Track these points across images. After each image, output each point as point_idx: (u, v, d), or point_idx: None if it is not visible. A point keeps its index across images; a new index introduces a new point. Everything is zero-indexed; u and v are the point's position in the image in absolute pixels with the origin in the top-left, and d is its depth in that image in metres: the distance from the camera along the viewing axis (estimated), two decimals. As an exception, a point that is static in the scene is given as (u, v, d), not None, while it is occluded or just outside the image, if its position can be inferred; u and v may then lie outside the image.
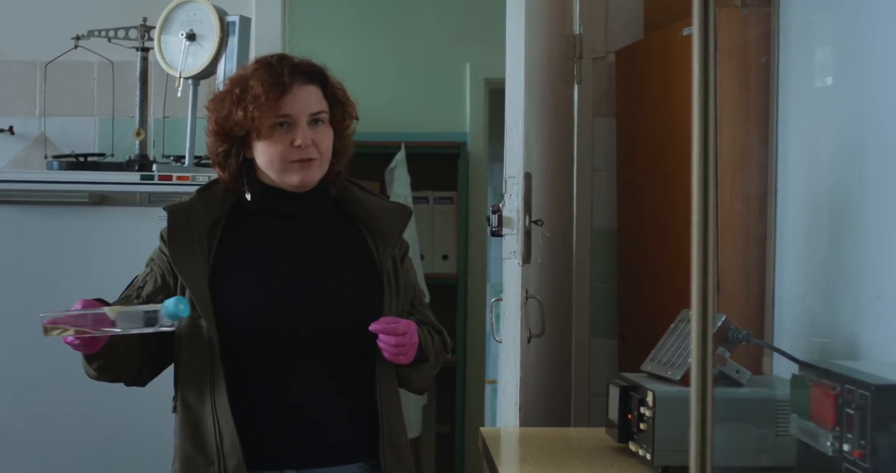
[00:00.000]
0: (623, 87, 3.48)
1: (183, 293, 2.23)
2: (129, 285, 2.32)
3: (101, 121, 3.88)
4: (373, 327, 2.17)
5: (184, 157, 3.46)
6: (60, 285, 3.15)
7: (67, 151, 3.68)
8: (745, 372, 2.30)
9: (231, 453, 2.17)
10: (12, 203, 3.23)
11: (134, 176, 3.30)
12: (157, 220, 2.31)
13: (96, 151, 3.76)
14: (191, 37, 3.36)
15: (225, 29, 3.34)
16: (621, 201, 3.51)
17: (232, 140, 2.26)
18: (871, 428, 1.72)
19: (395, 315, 2.25)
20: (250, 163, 2.29)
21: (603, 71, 3.53)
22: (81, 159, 3.53)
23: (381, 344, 2.19)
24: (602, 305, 3.55)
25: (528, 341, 2.94)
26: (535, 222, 2.94)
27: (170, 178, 3.26)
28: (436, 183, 5.30)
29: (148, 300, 2.24)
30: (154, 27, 3.45)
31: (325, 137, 2.27)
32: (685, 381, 2.22)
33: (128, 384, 2.32)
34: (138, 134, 3.55)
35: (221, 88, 2.34)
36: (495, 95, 4.91)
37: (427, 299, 2.58)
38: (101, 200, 3.24)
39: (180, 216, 2.28)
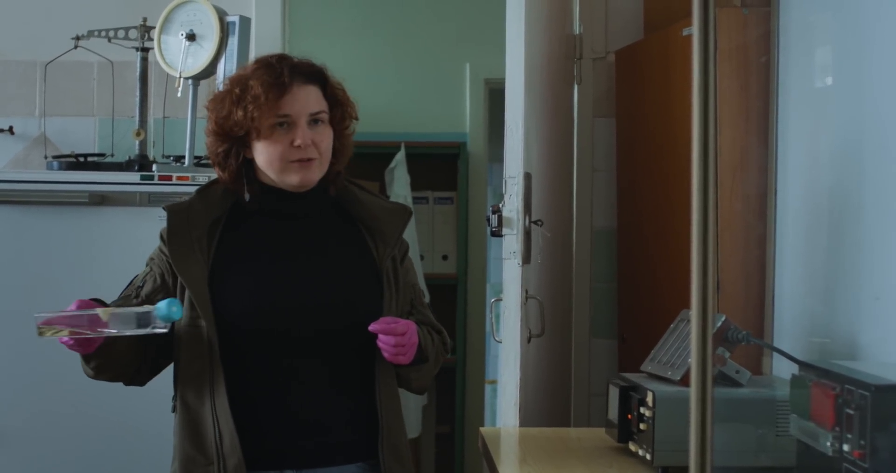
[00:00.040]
0: (623, 87, 3.48)
1: (182, 293, 2.23)
2: (129, 284, 2.32)
3: (100, 121, 3.88)
4: (372, 327, 2.17)
5: (184, 157, 3.46)
6: (60, 285, 3.15)
7: (67, 152, 3.68)
8: (744, 372, 2.30)
9: (230, 453, 2.17)
10: (12, 203, 3.23)
11: (134, 176, 3.30)
12: (156, 220, 2.31)
13: (96, 152, 3.76)
14: (191, 37, 3.36)
15: (225, 29, 3.34)
16: (621, 201, 3.51)
17: (232, 140, 2.26)
18: (871, 428, 1.72)
19: (394, 315, 2.25)
20: (250, 163, 2.29)
21: (603, 71, 3.53)
22: (81, 159, 3.53)
23: (380, 344, 2.19)
24: (602, 305, 3.55)
25: (528, 341, 2.94)
26: (535, 223, 2.94)
27: (170, 178, 3.26)
28: (436, 183, 5.30)
29: (147, 300, 2.24)
30: (154, 27, 3.45)
31: (325, 137, 2.27)
32: (685, 381, 2.22)
33: (126, 384, 2.33)
34: (138, 134, 3.56)
35: (221, 88, 2.34)
36: (495, 96, 4.91)
37: (427, 299, 2.58)
38: (100, 200, 3.24)
39: (180, 216, 2.28)
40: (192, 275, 2.22)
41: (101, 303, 2.18)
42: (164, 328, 2.10)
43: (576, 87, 3.52)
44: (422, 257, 5.11)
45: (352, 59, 5.02)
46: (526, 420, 2.89)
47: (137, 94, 3.60)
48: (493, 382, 5.47)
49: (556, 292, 3.33)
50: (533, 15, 2.96)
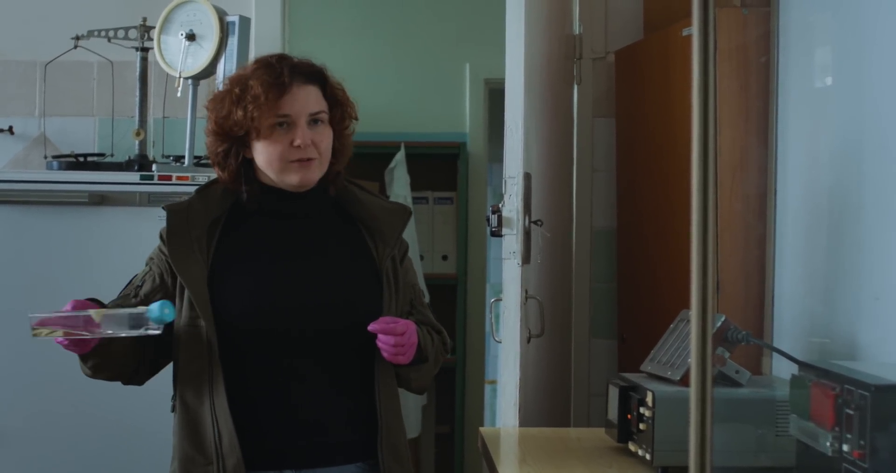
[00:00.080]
0: (623, 87, 3.48)
1: (182, 293, 2.23)
2: (128, 283, 2.32)
3: (100, 121, 3.88)
4: (371, 327, 2.17)
5: (183, 157, 3.46)
6: (60, 285, 3.15)
7: (67, 152, 3.68)
8: (744, 372, 2.30)
9: (230, 452, 2.17)
10: (12, 203, 3.23)
11: (133, 176, 3.30)
12: (156, 220, 2.31)
13: (96, 151, 3.76)
14: (190, 37, 3.36)
15: (224, 29, 3.34)
16: (621, 201, 3.51)
17: (231, 140, 2.26)
18: (871, 428, 1.72)
19: (394, 315, 2.25)
20: (250, 163, 2.29)
21: (603, 71, 3.53)
22: (81, 159, 3.53)
23: (379, 344, 2.19)
24: (601, 305, 3.55)
25: (528, 341, 2.94)
26: (535, 223, 2.94)
27: (169, 178, 3.26)
28: (435, 183, 5.30)
29: (146, 299, 2.24)
30: (154, 27, 3.46)
31: (325, 137, 2.27)
32: (685, 381, 2.22)
33: (125, 383, 2.33)
34: (138, 134, 3.56)
35: (221, 87, 2.34)
36: (495, 96, 4.91)
37: (427, 299, 2.58)
38: (100, 200, 3.24)
39: (179, 216, 2.28)
40: (192, 275, 2.22)
41: (98, 303, 2.18)
42: (157, 329, 2.10)
43: (575, 87, 3.52)
44: (421, 258, 5.11)
45: (352, 59, 5.02)
46: (526, 420, 2.89)
47: (137, 94, 3.60)
48: (493, 382, 5.47)
49: (556, 293, 3.33)
50: (533, 15, 2.96)
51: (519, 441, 2.72)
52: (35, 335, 2.08)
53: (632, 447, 2.32)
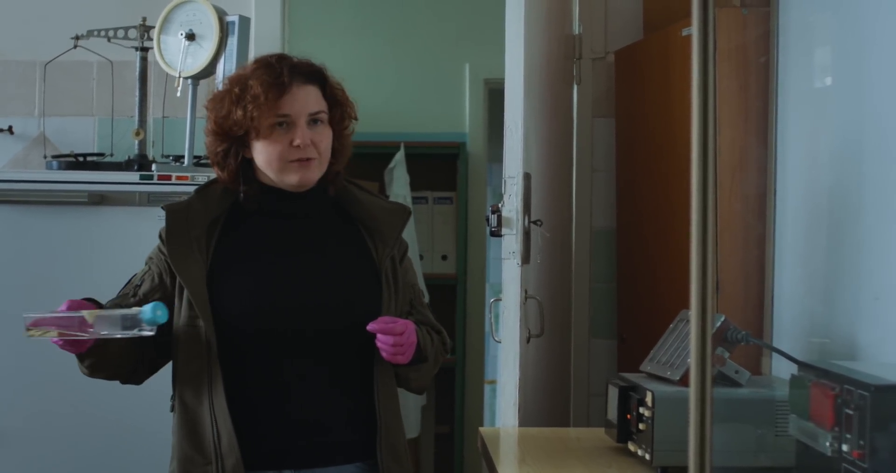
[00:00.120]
0: (622, 87, 3.48)
1: (181, 293, 2.23)
2: (128, 282, 2.32)
3: (100, 121, 3.88)
4: (370, 326, 2.17)
5: (183, 157, 3.46)
6: (60, 285, 3.15)
7: (67, 151, 3.68)
8: (744, 373, 2.30)
9: (229, 452, 2.17)
10: (12, 203, 3.23)
11: (133, 176, 3.30)
12: (156, 220, 2.31)
13: (95, 151, 3.76)
14: (190, 37, 3.36)
15: (224, 29, 3.34)
16: (620, 201, 3.51)
17: (231, 140, 2.26)
18: (871, 429, 1.72)
19: (393, 315, 2.25)
20: (249, 162, 2.29)
21: (602, 71, 3.53)
22: (81, 159, 3.53)
23: (379, 344, 2.19)
24: (601, 305, 3.55)
25: (528, 341, 2.94)
26: (535, 223, 2.94)
27: (169, 178, 3.26)
28: (435, 183, 5.30)
29: (144, 299, 2.24)
30: (153, 27, 3.46)
31: (324, 136, 2.27)
32: (684, 381, 2.22)
33: (123, 382, 2.33)
34: (137, 134, 3.55)
35: (221, 87, 2.34)
36: (495, 96, 4.91)
37: (426, 299, 2.58)
38: (100, 199, 3.24)
39: (179, 216, 2.28)
40: (191, 275, 2.22)
41: (94, 302, 2.18)
42: (151, 331, 2.10)
43: (575, 87, 3.52)
44: (421, 258, 5.10)
45: (351, 59, 5.02)
46: (525, 420, 2.89)
47: (137, 93, 3.60)
48: (493, 382, 5.47)
49: (556, 293, 3.33)
50: (532, 15, 2.96)
51: (518, 441, 2.72)
52: (29, 336, 2.08)
53: (631, 447, 2.32)
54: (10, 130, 3.86)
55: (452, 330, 5.13)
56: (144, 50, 3.58)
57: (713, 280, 1.18)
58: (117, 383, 2.33)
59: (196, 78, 3.40)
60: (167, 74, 3.44)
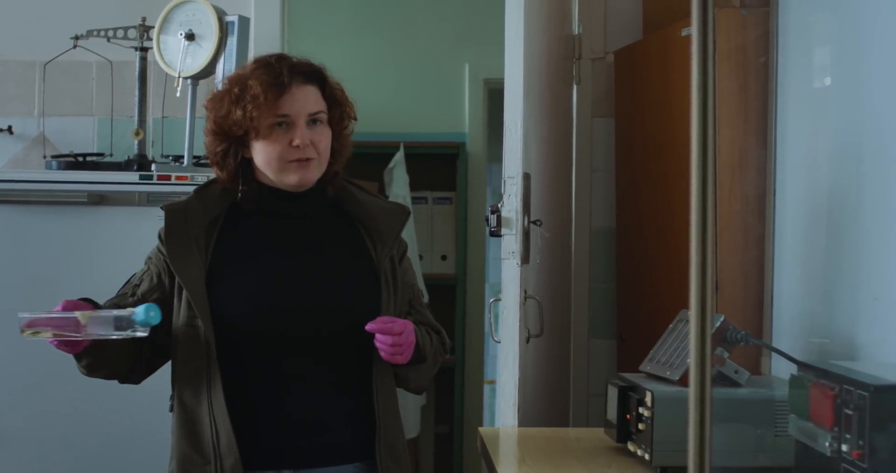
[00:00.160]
0: (622, 87, 3.48)
1: (180, 293, 2.23)
2: (127, 282, 2.32)
3: (99, 121, 3.88)
4: (369, 326, 2.17)
5: (182, 157, 3.46)
6: (59, 285, 3.15)
7: (66, 151, 3.68)
8: (743, 373, 2.30)
9: (227, 452, 2.17)
10: (11, 203, 3.23)
11: (133, 176, 3.30)
12: (155, 220, 2.31)
13: (95, 151, 3.76)
14: (190, 37, 3.36)
15: (224, 29, 3.34)
16: (620, 201, 3.51)
17: (230, 139, 2.26)
18: (870, 429, 1.72)
19: (392, 315, 2.25)
20: (248, 162, 2.29)
21: (602, 71, 3.53)
22: (80, 159, 3.53)
23: (377, 344, 2.19)
24: (601, 305, 3.55)
25: (527, 341, 2.94)
26: (534, 223, 2.94)
27: (168, 178, 3.26)
28: (435, 183, 5.30)
29: (143, 299, 2.24)
30: (153, 27, 3.46)
31: (324, 137, 2.27)
32: (684, 381, 2.22)
33: (121, 382, 2.33)
34: (137, 134, 3.55)
35: (220, 87, 2.34)
36: (494, 96, 4.90)
37: (426, 299, 2.58)
38: (99, 199, 3.24)
39: (178, 216, 2.28)
40: (190, 275, 2.22)
41: (91, 302, 2.18)
42: (144, 332, 2.10)
43: (575, 87, 3.53)
44: (420, 258, 5.10)
45: (351, 59, 5.02)
46: (525, 420, 2.89)
47: (136, 93, 3.60)
48: (492, 382, 5.47)
49: (555, 293, 3.33)
50: (532, 15, 2.96)
51: (518, 441, 2.72)
52: (22, 335, 2.09)
53: (631, 447, 2.32)
54: (9, 130, 3.85)
55: (452, 330, 5.13)
56: (144, 50, 3.58)
57: (712, 280, 1.18)
58: (116, 383, 2.33)
59: (195, 78, 3.40)
60: (167, 74, 3.44)
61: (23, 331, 2.09)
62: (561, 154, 3.44)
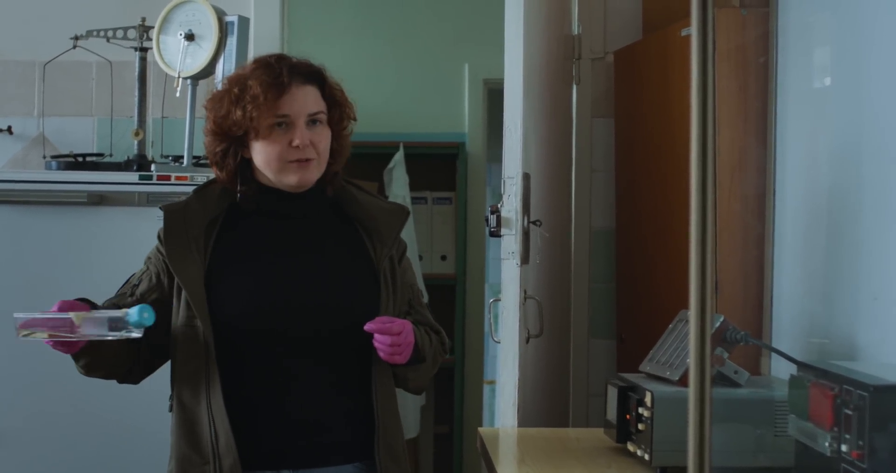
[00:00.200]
0: (622, 87, 3.48)
1: (179, 293, 2.23)
2: (126, 282, 2.32)
3: (99, 121, 3.88)
4: (368, 326, 2.17)
5: (182, 157, 3.46)
6: (59, 285, 3.15)
7: (66, 151, 3.68)
8: (743, 373, 2.30)
9: (226, 452, 2.17)
10: (11, 203, 3.23)
11: (132, 176, 3.30)
12: (155, 220, 2.31)
13: (95, 151, 3.76)
14: (189, 37, 3.36)
15: (223, 29, 3.34)
16: (620, 201, 3.51)
17: (230, 140, 2.26)
18: (870, 429, 1.72)
19: (391, 316, 2.25)
20: (248, 163, 2.29)
21: (602, 72, 3.53)
22: (80, 159, 3.53)
23: (376, 344, 2.19)
24: (600, 305, 3.55)
25: (527, 341, 2.94)
26: (534, 223, 2.94)
27: (168, 178, 3.26)
28: (434, 183, 5.30)
29: (142, 299, 2.24)
30: (153, 27, 3.46)
31: (323, 137, 2.27)
32: (683, 381, 2.22)
33: (120, 382, 2.33)
34: (137, 134, 3.55)
35: (220, 87, 2.34)
36: (494, 96, 4.90)
37: (426, 299, 2.58)
38: (99, 200, 3.24)
39: (177, 216, 2.28)
40: (189, 275, 2.22)
41: (88, 302, 2.18)
42: (138, 333, 2.10)
43: (574, 87, 3.52)
44: (420, 258, 5.10)
45: (351, 59, 5.02)
46: (524, 420, 2.90)
47: (136, 94, 3.60)
48: (492, 382, 5.48)
49: (555, 293, 3.33)
50: (532, 15, 2.96)
51: (518, 441, 2.72)
52: (18, 335, 2.09)
53: (630, 447, 2.32)
54: (9, 130, 3.85)
55: (452, 330, 5.13)
56: (144, 50, 3.58)
57: (712, 280, 1.18)
58: (116, 383, 2.33)
59: (195, 78, 3.40)
60: (166, 74, 3.44)
61: (18, 332, 2.09)
62: (561, 154, 3.44)
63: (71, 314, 2.08)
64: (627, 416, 2.33)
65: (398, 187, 4.95)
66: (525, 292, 2.90)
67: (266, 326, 2.22)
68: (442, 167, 5.31)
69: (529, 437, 2.71)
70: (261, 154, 2.25)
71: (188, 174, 3.26)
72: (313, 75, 2.28)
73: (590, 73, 3.53)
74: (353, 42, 5.22)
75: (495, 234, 2.92)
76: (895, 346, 2.13)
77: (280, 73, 2.22)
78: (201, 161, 3.40)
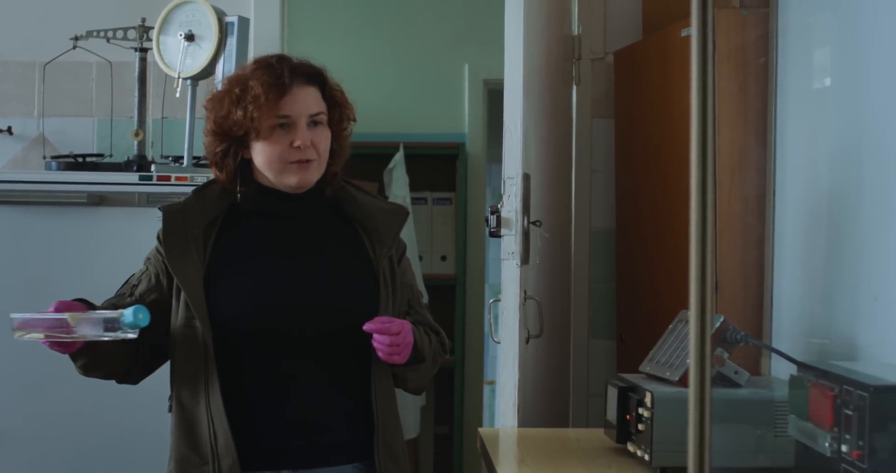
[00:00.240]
0: (622, 88, 3.48)
1: (178, 294, 2.23)
2: (125, 282, 2.32)
3: (99, 121, 3.88)
4: (367, 326, 2.17)
5: (182, 157, 3.46)
6: (59, 286, 3.14)
7: (66, 152, 3.68)
8: (743, 373, 2.30)
9: (225, 452, 2.17)
10: (11, 204, 3.23)
11: (132, 176, 3.30)
12: (155, 220, 2.31)
13: (95, 152, 3.76)
14: (189, 37, 3.36)
15: (223, 29, 3.34)
16: (620, 201, 3.51)
17: (230, 140, 2.26)
18: (870, 429, 1.72)
19: (391, 316, 2.25)
20: (247, 163, 2.28)
21: (601, 72, 3.53)
22: (80, 160, 3.53)
23: (375, 344, 2.19)
24: (600, 306, 3.55)
25: (527, 341, 2.94)
26: (534, 223, 2.94)
27: (168, 178, 3.26)
28: (434, 184, 5.30)
29: (141, 299, 2.24)
30: (153, 28, 3.46)
31: (324, 138, 2.27)
32: (683, 382, 2.22)
33: (119, 382, 2.33)
34: (137, 134, 3.55)
35: (220, 88, 2.34)
36: (494, 96, 4.90)
37: (425, 300, 2.58)
38: (99, 200, 3.24)
39: (175, 216, 2.28)
40: (188, 275, 2.22)
41: (85, 302, 2.19)
42: (133, 333, 2.10)
43: (574, 87, 3.52)
44: (420, 258, 5.10)
45: (351, 59, 5.02)
46: (524, 420, 2.90)
47: (136, 94, 3.60)
48: (492, 383, 5.47)
49: (555, 293, 3.33)
50: (532, 15, 2.96)
51: (518, 441, 2.72)
52: (16, 336, 2.10)
53: (630, 447, 2.32)
54: (9, 130, 3.85)
55: (452, 331, 5.13)
56: (144, 51, 3.58)
57: (712, 281, 1.18)
58: (115, 383, 2.33)
59: (195, 79, 3.40)
60: (166, 74, 3.44)
61: (14, 332, 2.10)
62: (561, 155, 3.44)
63: (66, 315, 2.08)
64: (627, 416, 2.33)
65: (398, 187, 4.95)
66: (525, 292, 2.90)
67: (265, 326, 2.22)
68: (442, 168, 5.31)
69: (529, 437, 2.71)
70: (261, 155, 2.24)
71: (188, 175, 3.26)
72: (314, 76, 2.28)
73: (590, 73, 3.53)
74: (353, 42, 5.22)
75: (495, 234, 2.92)
76: (895, 346, 2.13)
77: (282, 73, 2.22)
78: (201, 162, 3.40)
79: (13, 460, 3.20)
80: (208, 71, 3.36)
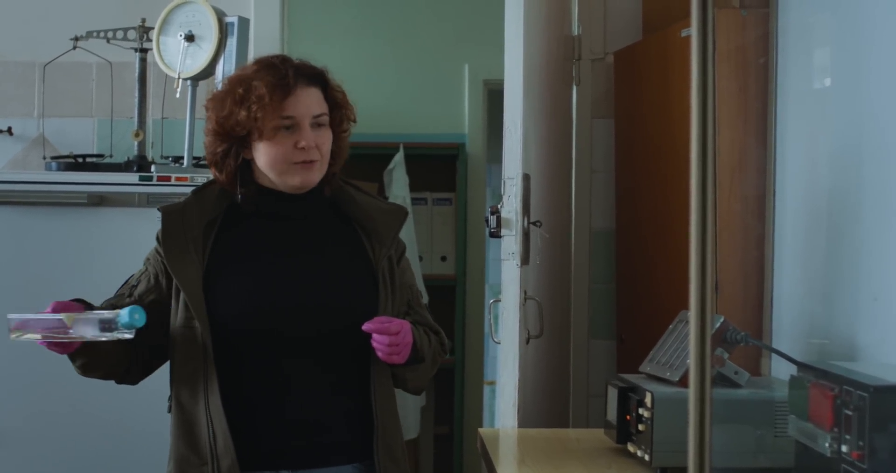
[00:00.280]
0: (622, 88, 3.48)
1: (177, 294, 2.23)
2: (125, 283, 2.32)
3: (99, 122, 3.88)
4: (366, 326, 2.17)
5: (182, 158, 3.46)
6: (59, 286, 3.13)
7: (66, 152, 3.68)
8: (743, 373, 2.30)
9: (224, 453, 2.17)
10: (11, 204, 3.23)
11: (132, 177, 3.30)
12: (155, 221, 2.31)
13: (95, 152, 3.76)
14: (189, 38, 3.36)
15: (223, 30, 3.34)
16: (620, 202, 3.51)
17: (232, 140, 2.25)
18: (870, 429, 1.72)
19: (390, 316, 2.25)
20: (247, 164, 2.28)
21: (602, 72, 3.53)
22: (80, 160, 3.53)
23: (374, 344, 2.19)
24: (600, 306, 3.55)
25: (527, 342, 2.94)
26: (534, 224, 2.94)
27: (168, 179, 3.26)
28: (434, 184, 5.30)
29: (140, 300, 2.24)
30: (153, 28, 3.46)
31: (326, 139, 2.27)
32: (684, 382, 2.22)
33: (118, 382, 2.33)
34: (137, 135, 3.55)
35: (220, 88, 2.33)
36: (494, 97, 4.90)
37: (425, 300, 2.58)
38: (99, 200, 3.24)
39: (174, 217, 2.28)
40: (187, 276, 2.22)
41: (84, 303, 2.19)
42: (129, 334, 2.10)
43: (574, 88, 3.52)
44: (420, 259, 5.10)
45: (351, 59, 5.02)
46: (524, 420, 2.90)
47: (136, 94, 3.60)
48: (492, 383, 5.47)
49: (555, 293, 3.33)
50: (532, 16, 2.96)
51: (518, 441, 2.72)
52: (12, 337, 2.10)
53: (631, 448, 2.32)
54: (9, 131, 3.86)
55: (452, 331, 5.13)
56: (144, 51, 3.58)
57: (712, 281, 1.18)
58: (115, 383, 2.33)
59: (195, 79, 3.40)
60: (166, 75, 3.44)
61: (11, 332, 2.10)
62: (561, 155, 3.44)
63: (62, 315, 2.08)
64: (627, 417, 2.33)
65: (398, 187, 4.95)
66: (525, 292, 2.91)
67: (264, 326, 2.21)
68: (442, 168, 5.31)
69: (529, 438, 2.71)
70: (265, 155, 2.24)
71: (188, 175, 3.26)
72: (316, 77, 2.28)
73: (590, 73, 3.53)
74: (353, 42, 5.22)
75: (495, 235, 2.92)
76: (895, 346, 2.13)
77: (286, 74, 2.22)
78: (201, 162, 3.40)
79: (13, 460, 3.20)
80: (208, 71, 3.36)
